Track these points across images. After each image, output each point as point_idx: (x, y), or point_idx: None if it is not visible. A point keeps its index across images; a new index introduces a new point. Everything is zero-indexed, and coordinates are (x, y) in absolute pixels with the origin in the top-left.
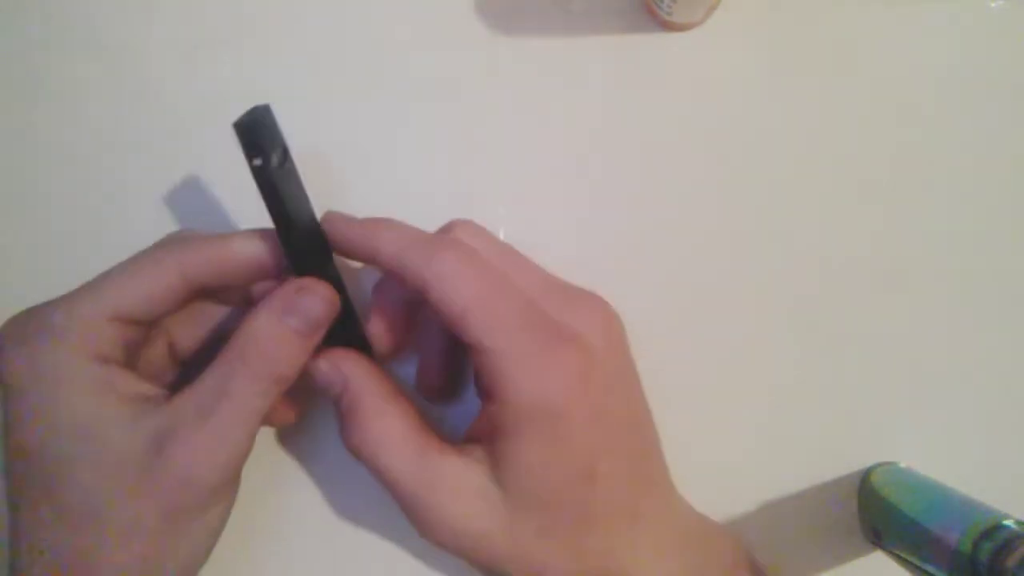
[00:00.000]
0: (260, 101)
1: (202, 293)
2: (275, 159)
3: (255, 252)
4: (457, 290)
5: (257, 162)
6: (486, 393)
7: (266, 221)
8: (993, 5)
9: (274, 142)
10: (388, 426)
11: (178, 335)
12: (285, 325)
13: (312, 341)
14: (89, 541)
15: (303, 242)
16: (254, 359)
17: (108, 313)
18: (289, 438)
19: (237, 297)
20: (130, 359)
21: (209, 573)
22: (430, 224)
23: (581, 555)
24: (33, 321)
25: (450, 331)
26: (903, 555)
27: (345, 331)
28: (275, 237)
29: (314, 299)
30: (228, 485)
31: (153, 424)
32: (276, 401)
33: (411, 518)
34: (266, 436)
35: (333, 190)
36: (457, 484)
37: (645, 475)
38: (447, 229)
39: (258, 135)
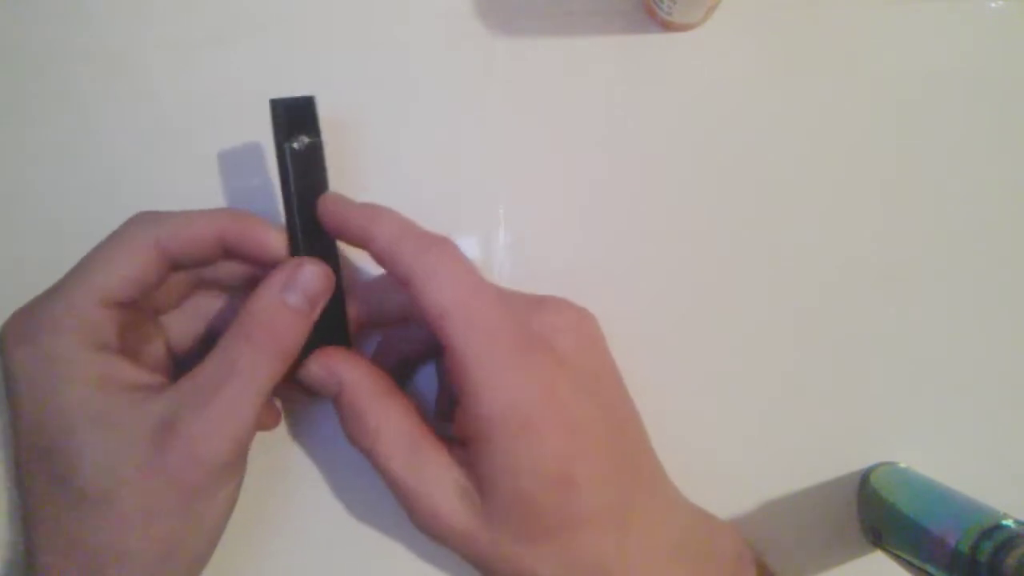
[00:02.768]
0: (258, 100)
1: (179, 268)
2: (299, 144)
3: (226, 228)
4: (440, 289)
5: (284, 142)
6: (457, 398)
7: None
8: (993, 5)
9: (305, 128)
10: (384, 421)
11: (175, 333)
12: (285, 300)
13: (312, 316)
14: (107, 528)
15: (310, 226)
16: (258, 335)
17: (97, 299)
18: (297, 429)
19: (230, 291)
20: (126, 347)
21: (218, 568)
22: (427, 224)
23: (569, 562)
24: (31, 317)
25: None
26: (903, 555)
27: (333, 319)
28: (247, 216)
29: (311, 275)
30: (237, 464)
31: (160, 406)
32: (277, 382)
33: (404, 508)
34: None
35: (332, 190)
36: (442, 481)
37: (633, 475)
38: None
39: (291, 116)
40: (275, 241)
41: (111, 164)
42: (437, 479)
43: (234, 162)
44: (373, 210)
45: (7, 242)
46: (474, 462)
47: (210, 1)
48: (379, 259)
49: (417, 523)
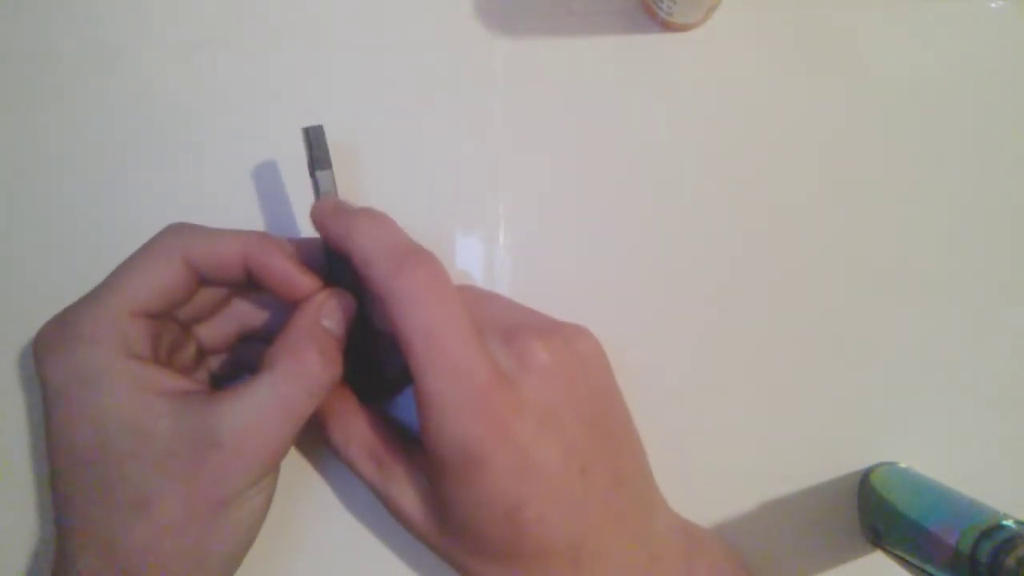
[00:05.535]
0: (260, 102)
1: (208, 284)
2: (329, 165)
3: (251, 257)
4: (408, 318)
5: (318, 164)
6: (419, 423)
7: (257, 222)
8: (993, 5)
9: (323, 153)
10: (349, 438)
11: (207, 336)
12: (325, 327)
13: (343, 340)
14: (141, 533)
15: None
16: (300, 361)
17: (129, 310)
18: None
19: (260, 299)
20: (160, 355)
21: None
22: (427, 223)
23: None
24: (64, 327)
25: None
26: (903, 555)
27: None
28: (274, 249)
29: (344, 303)
30: (271, 476)
31: (199, 417)
32: (318, 404)
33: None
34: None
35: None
36: (405, 491)
37: (601, 509)
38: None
39: (321, 141)
40: (301, 283)
41: (112, 164)
42: (400, 489)
43: (233, 163)
44: (353, 220)
45: (8, 243)
46: (430, 482)
47: (211, 3)
48: (359, 269)
49: (389, 513)
